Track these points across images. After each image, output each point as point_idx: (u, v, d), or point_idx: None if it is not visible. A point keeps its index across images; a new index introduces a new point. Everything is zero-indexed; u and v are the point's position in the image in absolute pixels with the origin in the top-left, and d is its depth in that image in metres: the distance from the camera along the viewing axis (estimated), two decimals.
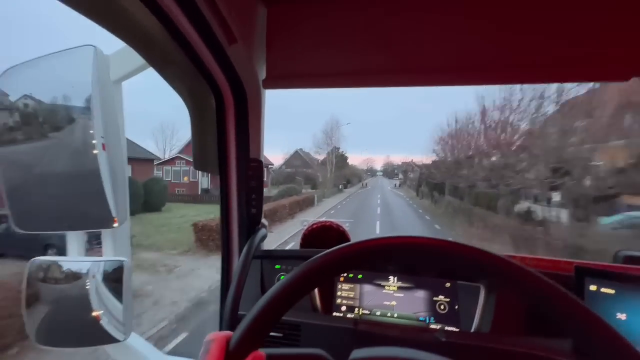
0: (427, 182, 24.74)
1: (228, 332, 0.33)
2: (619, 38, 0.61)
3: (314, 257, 0.34)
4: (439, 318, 0.82)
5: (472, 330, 0.79)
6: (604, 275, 0.62)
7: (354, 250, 0.34)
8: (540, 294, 0.31)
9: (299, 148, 39.95)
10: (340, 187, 34.77)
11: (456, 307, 0.82)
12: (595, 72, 0.63)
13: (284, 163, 39.54)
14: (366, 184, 48.89)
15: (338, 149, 38.94)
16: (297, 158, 39.61)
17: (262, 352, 0.34)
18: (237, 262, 0.78)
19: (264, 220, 0.91)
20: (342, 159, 40.53)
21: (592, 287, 0.63)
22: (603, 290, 0.61)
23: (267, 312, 0.33)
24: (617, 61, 0.61)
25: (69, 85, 0.74)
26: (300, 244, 1.07)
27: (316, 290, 0.89)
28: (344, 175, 39.42)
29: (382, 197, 28.73)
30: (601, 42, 0.62)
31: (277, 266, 0.91)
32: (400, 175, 65.14)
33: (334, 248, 0.34)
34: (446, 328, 0.80)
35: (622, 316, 0.59)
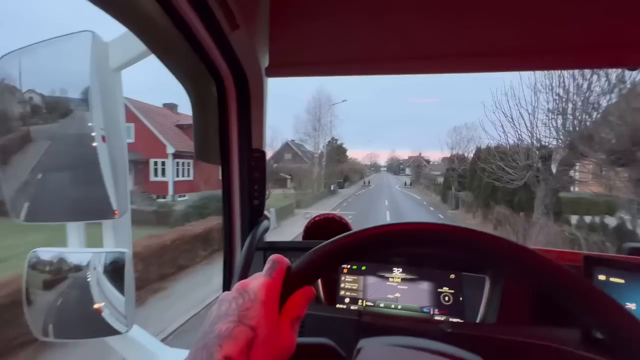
0: (460, 183, 17.54)
1: (288, 260, 0.36)
2: (633, 23, 0.60)
3: (374, 226, 0.35)
4: (443, 309, 0.82)
5: (477, 321, 0.79)
6: (612, 265, 0.62)
7: (413, 230, 0.35)
8: (555, 280, 0.30)
9: (290, 139, 31.74)
10: (332, 187, 25.98)
11: (460, 298, 0.82)
12: (609, 58, 0.61)
13: (272, 157, 28.91)
14: (369, 182, 41.05)
15: (336, 140, 32.71)
16: (288, 150, 32.26)
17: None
18: (239, 254, 0.77)
19: (266, 212, 0.90)
20: (339, 150, 34.41)
21: (601, 277, 0.62)
22: (612, 279, 0.61)
23: (322, 256, 0.35)
24: (632, 47, 0.59)
25: (66, 74, 0.73)
26: (303, 236, 1.06)
27: (319, 282, 0.89)
28: (341, 171, 32.19)
29: (392, 204, 19.09)
30: (614, 27, 0.60)
31: None
32: (408, 171, 56.62)
33: (389, 223, 0.35)
34: (450, 319, 0.80)
35: (632, 305, 0.59)
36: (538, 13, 0.63)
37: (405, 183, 41.00)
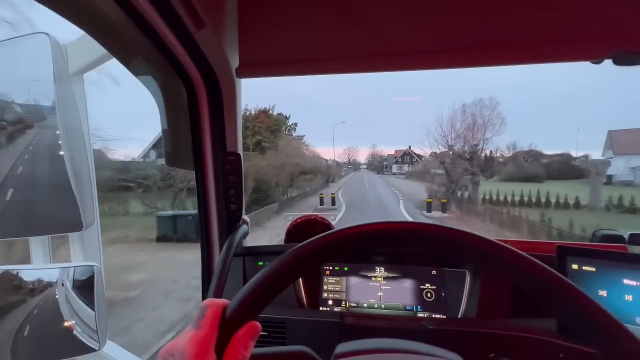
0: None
1: (224, 300, 0.33)
2: (594, 16, 0.61)
3: (319, 235, 0.33)
4: (426, 306, 0.82)
5: (459, 316, 0.79)
6: (585, 254, 0.63)
7: (356, 233, 0.33)
8: (526, 273, 0.30)
9: None
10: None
11: (443, 294, 0.82)
12: (573, 51, 0.63)
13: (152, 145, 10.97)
14: (332, 201, 15.67)
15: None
16: None
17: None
18: (217, 260, 0.75)
19: (245, 217, 0.88)
20: (277, 122, 17.96)
21: (574, 266, 0.63)
22: (585, 268, 0.62)
23: (264, 284, 0.32)
24: (595, 40, 0.61)
25: (21, 78, 0.68)
26: (285, 239, 1.04)
27: (302, 285, 0.87)
28: (289, 174, 15.73)
29: None
30: (576, 20, 0.62)
31: (260, 263, 0.88)
32: (395, 169, 48.97)
33: (339, 229, 0.34)
34: (433, 316, 0.80)
35: (603, 293, 0.60)
36: (505, 7, 0.64)
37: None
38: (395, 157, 52.85)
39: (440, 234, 0.32)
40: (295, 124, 21.33)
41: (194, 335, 0.30)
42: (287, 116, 20.40)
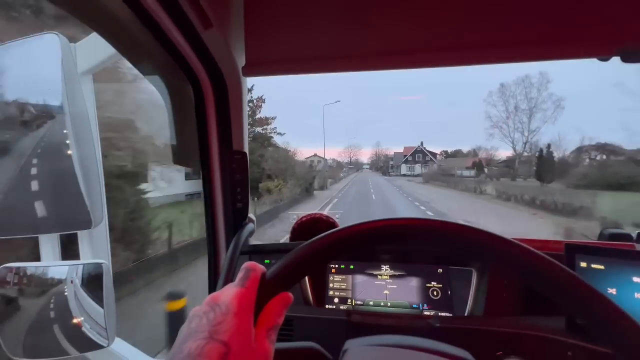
0: None
1: (263, 267, 0.35)
2: (601, 13, 0.61)
3: (354, 224, 0.35)
4: (432, 304, 0.82)
5: (466, 314, 0.79)
6: (593, 252, 0.63)
7: (384, 226, 0.34)
8: (537, 270, 0.30)
9: None
10: None
11: (449, 292, 0.82)
12: (578, 48, 0.62)
13: None
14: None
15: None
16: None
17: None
18: (224, 259, 0.75)
19: (251, 215, 0.88)
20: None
21: (583, 264, 0.63)
22: (593, 266, 0.62)
23: (298, 259, 0.34)
24: (602, 38, 0.60)
25: (31, 78, 0.69)
26: (290, 237, 1.04)
27: (308, 283, 0.88)
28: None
29: None
30: (583, 18, 0.61)
31: (267, 261, 0.88)
32: (405, 169, 40.75)
33: (368, 221, 0.35)
34: (440, 314, 0.80)
35: (612, 291, 0.60)
36: (514, 5, 0.63)
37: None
38: (405, 156, 44.45)
39: (457, 232, 0.33)
40: (274, 118, 17.20)
41: (240, 292, 0.31)
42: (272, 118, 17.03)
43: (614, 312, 0.27)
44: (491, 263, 0.71)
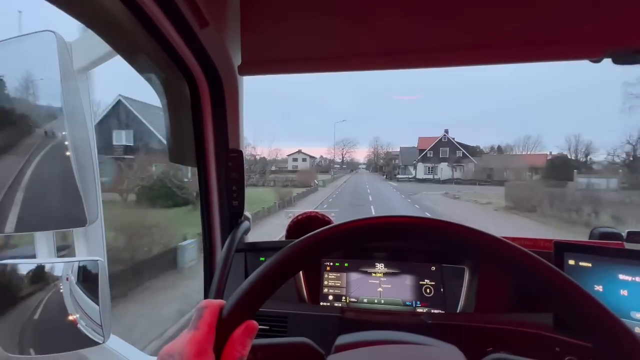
0: None
1: (221, 301, 0.33)
2: (591, 15, 0.62)
3: (312, 232, 0.34)
4: (425, 301, 0.83)
5: (458, 311, 0.80)
6: (581, 250, 0.64)
7: (349, 229, 0.34)
8: (526, 268, 0.31)
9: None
10: None
11: (442, 289, 0.83)
12: (569, 50, 0.64)
13: None
14: None
15: None
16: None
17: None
18: (219, 256, 0.76)
19: (247, 213, 0.89)
20: None
21: (571, 262, 0.64)
22: (581, 263, 0.63)
23: (260, 283, 0.33)
24: (594, 39, 0.62)
25: (28, 76, 0.69)
26: (286, 235, 1.05)
27: (302, 280, 0.88)
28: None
29: None
30: (574, 19, 0.62)
31: (262, 258, 0.89)
32: (422, 170, 26.37)
33: (332, 225, 0.34)
34: (432, 311, 0.81)
35: (599, 288, 0.61)
36: (505, 7, 0.64)
37: None
38: (422, 151, 28.27)
39: (445, 229, 0.33)
40: None
41: (193, 336, 0.30)
42: None
43: (593, 306, 0.28)
44: (480, 261, 0.73)
